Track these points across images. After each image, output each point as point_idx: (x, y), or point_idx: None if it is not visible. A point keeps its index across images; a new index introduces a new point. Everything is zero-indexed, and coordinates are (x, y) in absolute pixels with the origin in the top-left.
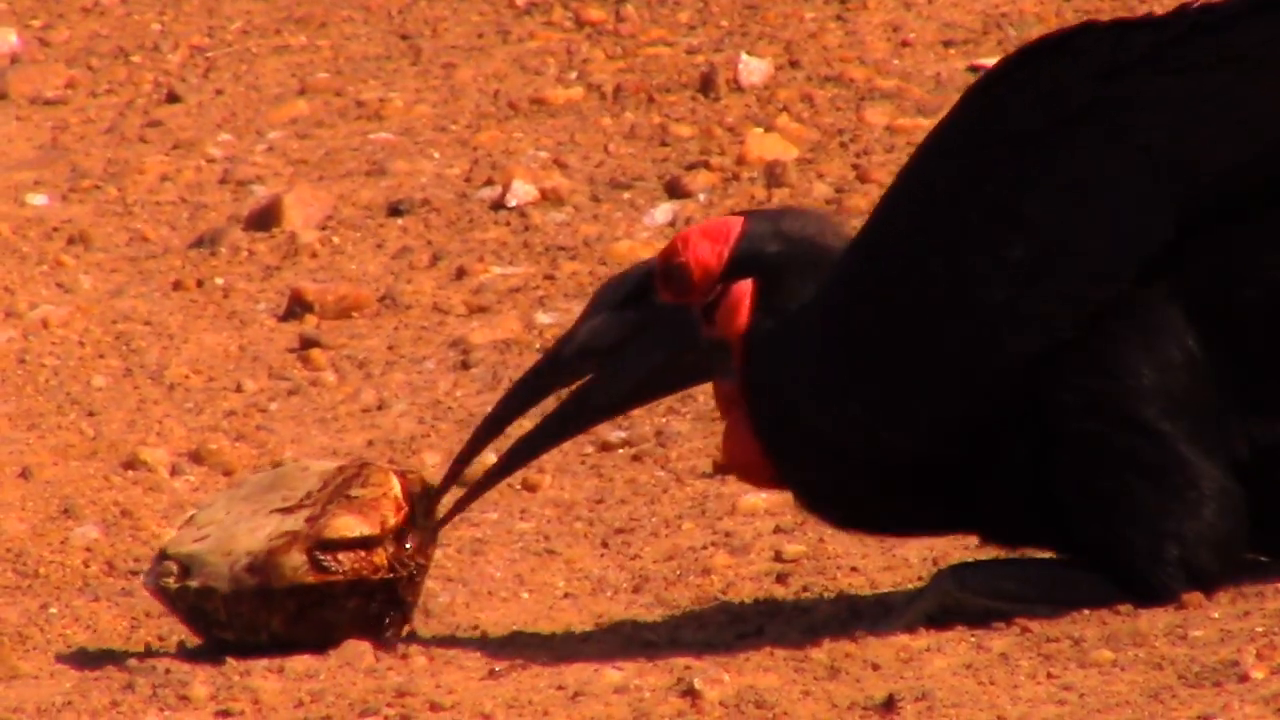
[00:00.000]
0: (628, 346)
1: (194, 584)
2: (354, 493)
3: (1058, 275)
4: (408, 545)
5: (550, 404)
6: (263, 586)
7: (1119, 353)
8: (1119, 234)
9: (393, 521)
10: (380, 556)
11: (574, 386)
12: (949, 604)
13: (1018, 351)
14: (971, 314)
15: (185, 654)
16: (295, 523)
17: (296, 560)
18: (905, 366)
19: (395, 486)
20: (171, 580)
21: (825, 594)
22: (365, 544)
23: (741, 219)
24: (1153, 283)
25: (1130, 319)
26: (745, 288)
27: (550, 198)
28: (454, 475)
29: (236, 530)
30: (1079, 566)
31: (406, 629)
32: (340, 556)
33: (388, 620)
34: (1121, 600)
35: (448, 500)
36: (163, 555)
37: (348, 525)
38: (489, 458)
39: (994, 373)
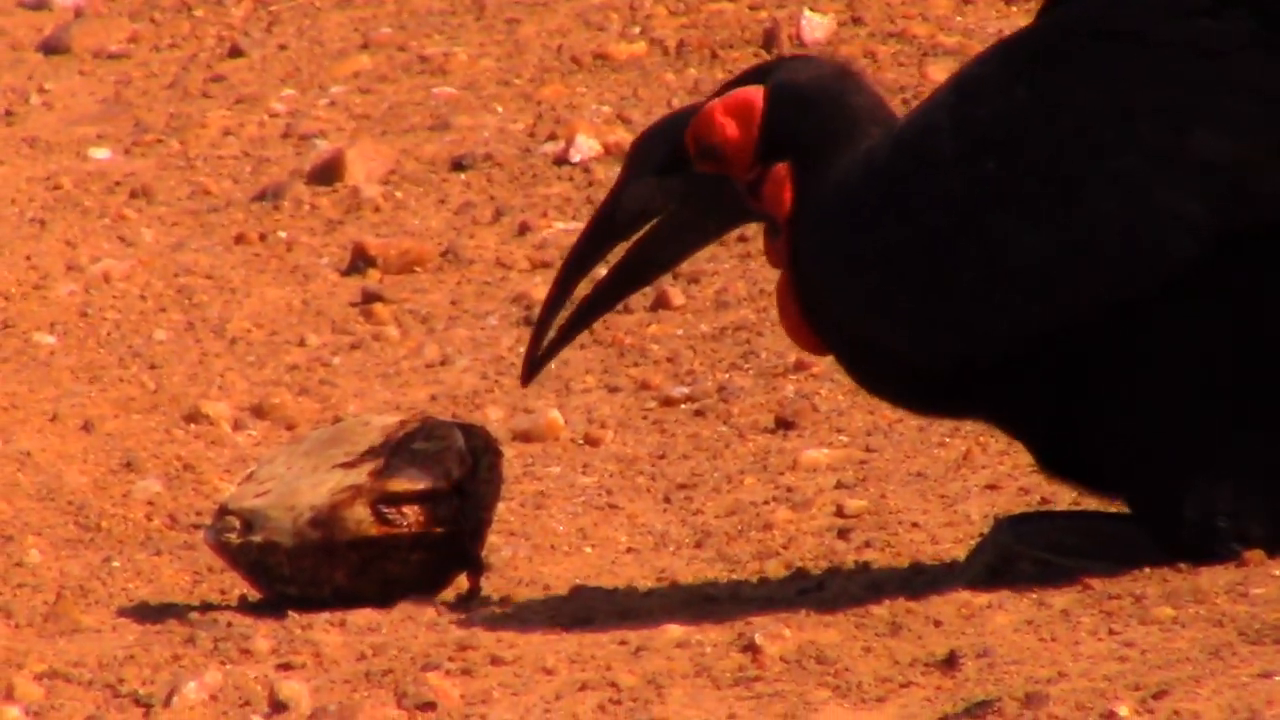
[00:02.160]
0: (681, 209)
1: (257, 539)
2: (417, 446)
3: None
4: (471, 499)
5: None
6: (326, 540)
7: (1189, 328)
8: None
9: (456, 474)
10: (444, 510)
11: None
12: (1007, 555)
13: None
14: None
15: (247, 608)
16: (358, 476)
17: (360, 514)
18: (945, 302)
19: (459, 440)
20: (234, 535)
21: (887, 550)
22: (429, 497)
23: (762, 90)
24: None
25: (1207, 295)
26: (782, 173)
27: (613, 153)
28: (534, 352)
29: (299, 485)
30: (1136, 522)
31: (482, 580)
32: (404, 510)
33: (462, 575)
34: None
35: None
36: (224, 511)
37: (412, 478)
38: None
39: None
